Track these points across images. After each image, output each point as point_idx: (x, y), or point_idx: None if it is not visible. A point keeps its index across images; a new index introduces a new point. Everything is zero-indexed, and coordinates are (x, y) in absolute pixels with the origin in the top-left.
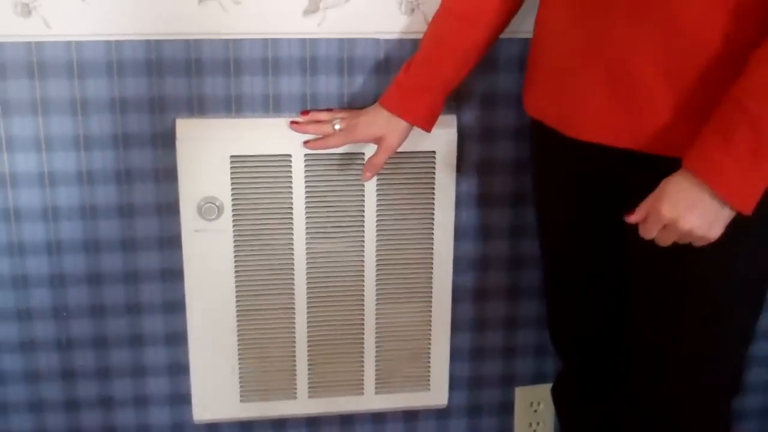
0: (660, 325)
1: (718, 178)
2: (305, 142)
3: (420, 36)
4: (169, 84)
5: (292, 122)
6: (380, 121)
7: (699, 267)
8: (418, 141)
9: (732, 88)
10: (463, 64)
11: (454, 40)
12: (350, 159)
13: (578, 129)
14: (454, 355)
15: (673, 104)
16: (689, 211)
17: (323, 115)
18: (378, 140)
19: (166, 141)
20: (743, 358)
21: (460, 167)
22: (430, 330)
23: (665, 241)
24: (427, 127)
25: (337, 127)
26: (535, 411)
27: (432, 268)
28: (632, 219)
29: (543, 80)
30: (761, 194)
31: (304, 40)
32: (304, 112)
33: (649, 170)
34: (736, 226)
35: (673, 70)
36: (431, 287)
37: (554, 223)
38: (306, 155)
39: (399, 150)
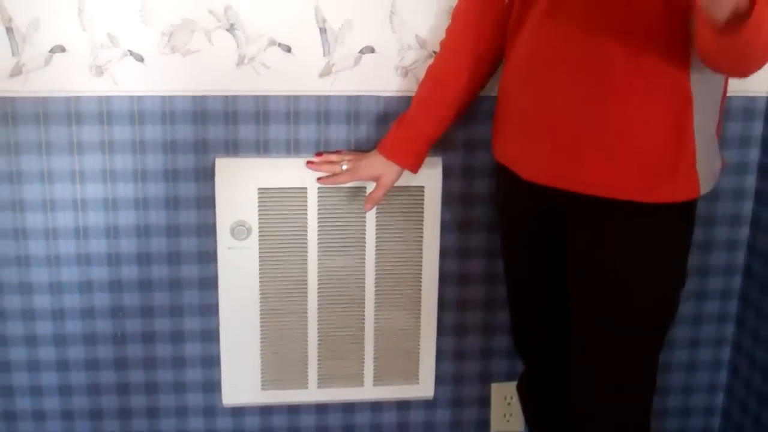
0: (587, 337)
1: None
2: (318, 179)
3: (412, 94)
4: (211, 130)
5: (308, 162)
6: (378, 164)
7: (618, 296)
8: (410, 178)
9: None
10: (442, 121)
11: (435, 102)
12: (355, 193)
13: (530, 172)
14: (440, 354)
15: (599, 156)
16: None
17: (333, 157)
18: (376, 179)
19: (207, 175)
20: (656, 369)
21: (445, 200)
22: (419, 333)
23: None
24: (414, 169)
25: (344, 167)
26: (509, 404)
27: (421, 281)
28: None
29: (504, 131)
30: None
31: (319, 96)
32: (318, 154)
33: (584, 207)
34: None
35: (600, 129)
36: (420, 297)
37: (513, 248)
38: (319, 189)
39: (394, 186)
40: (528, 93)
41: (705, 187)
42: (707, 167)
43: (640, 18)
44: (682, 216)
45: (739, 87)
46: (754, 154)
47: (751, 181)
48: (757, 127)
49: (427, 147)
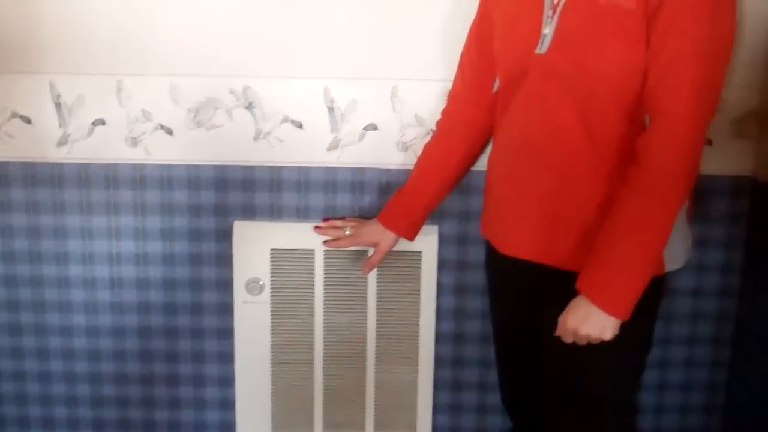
0: (558, 401)
1: (601, 297)
2: (324, 242)
3: (411, 167)
4: (230, 195)
5: (316, 227)
6: (377, 231)
7: (587, 358)
8: (409, 244)
9: (603, 228)
10: (436, 194)
11: (430, 178)
12: (358, 256)
13: (507, 248)
14: (437, 408)
15: (570, 234)
16: (584, 322)
17: (339, 223)
18: (375, 245)
19: (226, 236)
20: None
21: (441, 264)
22: (417, 387)
23: (578, 341)
24: (411, 237)
25: (347, 232)
26: None
27: (419, 339)
28: (556, 332)
29: (487, 207)
30: (634, 305)
31: (327, 168)
32: (326, 220)
33: (558, 280)
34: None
35: (570, 211)
36: (418, 354)
37: (498, 314)
38: (325, 251)
39: (395, 250)
40: (505, 174)
41: (671, 265)
42: (674, 247)
43: (605, 115)
44: (649, 290)
45: (725, 167)
46: (741, 232)
47: (738, 256)
48: (744, 205)
49: (422, 218)
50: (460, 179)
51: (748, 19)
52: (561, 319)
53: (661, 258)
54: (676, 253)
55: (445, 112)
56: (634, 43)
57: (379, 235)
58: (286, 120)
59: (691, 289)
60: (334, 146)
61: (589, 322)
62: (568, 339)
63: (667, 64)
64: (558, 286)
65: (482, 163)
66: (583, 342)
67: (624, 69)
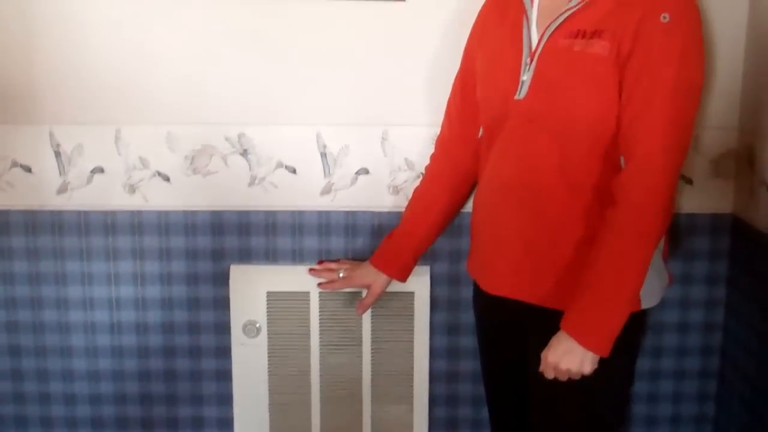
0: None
1: (580, 334)
2: (319, 284)
3: (402, 210)
4: (226, 240)
5: (310, 269)
6: (370, 273)
7: (571, 394)
8: (401, 285)
9: (585, 269)
10: (426, 237)
11: (419, 221)
12: (352, 297)
13: (491, 286)
14: None
15: (550, 273)
16: (564, 357)
17: (332, 265)
18: (368, 287)
19: (223, 280)
20: None
21: (433, 304)
22: (412, 426)
23: (558, 377)
24: (402, 279)
25: (341, 275)
26: None
27: (413, 378)
28: (540, 368)
29: (473, 247)
30: (613, 341)
31: (320, 212)
32: (320, 262)
33: (540, 318)
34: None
35: (549, 251)
36: (413, 393)
37: (485, 351)
38: (320, 293)
39: (388, 291)
40: (489, 215)
41: (648, 302)
42: (650, 285)
43: (582, 157)
44: (628, 326)
45: (705, 205)
46: (723, 268)
47: (721, 292)
48: (725, 242)
49: (413, 260)
50: (449, 221)
51: (723, 63)
52: (543, 354)
53: (638, 295)
54: (652, 291)
55: (433, 157)
56: (607, 89)
57: (372, 277)
58: (280, 165)
59: (677, 324)
60: (327, 190)
61: (569, 357)
62: (550, 374)
63: (640, 108)
64: (540, 323)
65: (471, 205)
66: (564, 377)
67: (599, 113)
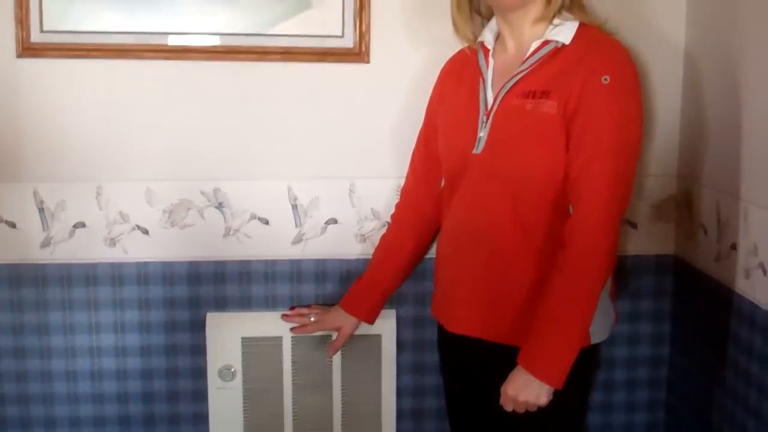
0: None
1: (536, 368)
2: (291, 329)
3: (369, 257)
4: (203, 289)
5: (283, 315)
6: (340, 316)
7: (530, 426)
8: (369, 328)
9: (539, 308)
10: (392, 281)
11: (386, 266)
12: (323, 340)
13: (452, 325)
14: None
15: (506, 312)
16: (522, 390)
17: (304, 310)
18: (338, 329)
19: (200, 327)
20: None
21: (399, 346)
22: None
23: (517, 409)
24: (371, 321)
25: (312, 319)
26: None
27: (381, 417)
28: (500, 401)
29: (436, 291)
30: (566, 374)
31: (292, 260)
32: (292, 308)
33: (498, 354)
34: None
35: (504, 292)
36: (381, 431)
37: (450, 388)
38: (292, 338)
39: (357, 333)
40: (450, 259)
41: (597, 338)
42: (598, 321)
43: (534, 206)
44: (580, 360)
45: (649, 247)
46: (667, 305)
47: (666, 328)
48: (668, 281)
49: (381, 303)
50: (414, 266)
51: (662, 116)
52: (502, 388)
53: (587, 331)
54: (600, 327)
55: (398, 206)
56: (555, 144)
57: (341, 320)
58: (253, 217)
59: (626, 359)
60: (298, 240)
61: (527, 390)
62: (509, 407)
63: (584, 162)
64: (499, 360)
65: (434, 250)
66: (522, 409)
67: (548, 166)
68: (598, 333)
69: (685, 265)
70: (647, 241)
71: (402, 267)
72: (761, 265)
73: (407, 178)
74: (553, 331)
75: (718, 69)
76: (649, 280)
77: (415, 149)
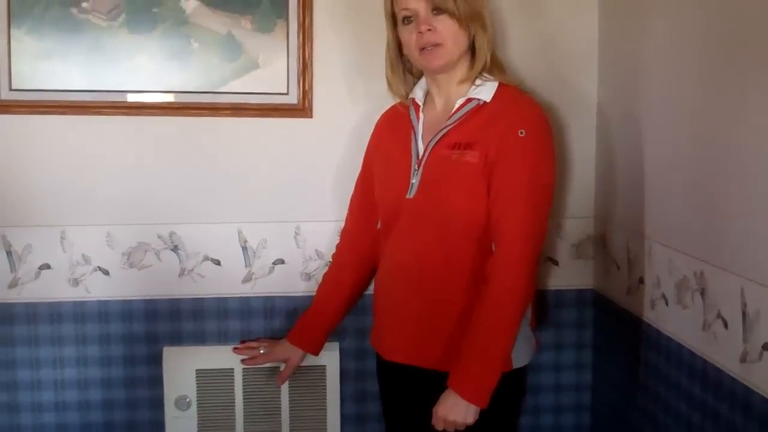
0: None
1: (462, 389)
2: (242, 361)
3: (314, 294)
4: (160, 325)
5: (234, 348)
6: (287, 348)
7: None
8: (314, 359)
9: (465, 337)
10: (335, 315)
11: (328, 302)
12: (272, 372)
13: (388, 354)
14: None
15: (435, 340)
16: (451, 410)
17: (254, 343)
18: (286, 360)
19: (157, 360)
20: None
21: (343, 376)
22: None
23: (447, 428)
24: (315, 353)
25: (261, 351)
26: None
27: None
28: (432, 422)
29: (374, 323)
30: (490, 395)
31: (242, 297)
32: (242, 342)
33: (430, 379)
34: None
35: (434, 321)
36: None
37: (388, 412)
38: (243, 369)
39: (303, 365)
40: (386, 293)
41: (518, 363)
42: (519, 349)
43: (460, 244)
44: (505, 384)
45: (570, 282)
46: (588, 335)
47: (588, 356)
48: (588, 313)
49: (324, 336)
50: (355, 301)
51: (578, 165)
52: (434, 409)
53: (509, 357)
54: (521, 354)
55: (339, 247)
56: (477, 190)
57: (289, 352)
58: (206, 258)
59: (552, 386)
60: (248, 279)
61: (455, 410)
62: (440, 426)
63: (503, 205)
64: (431, 385)
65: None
66: (452, 428)
67: (471, 209)
68: (519, 358)
69: (603, 298)
70: (568, 276)
71: (343, 302)
72: (663, 296)
73: (346, 220)
74: (477, 357)
75: (625, 122)
76: (571, 312)
77: (353, 194)
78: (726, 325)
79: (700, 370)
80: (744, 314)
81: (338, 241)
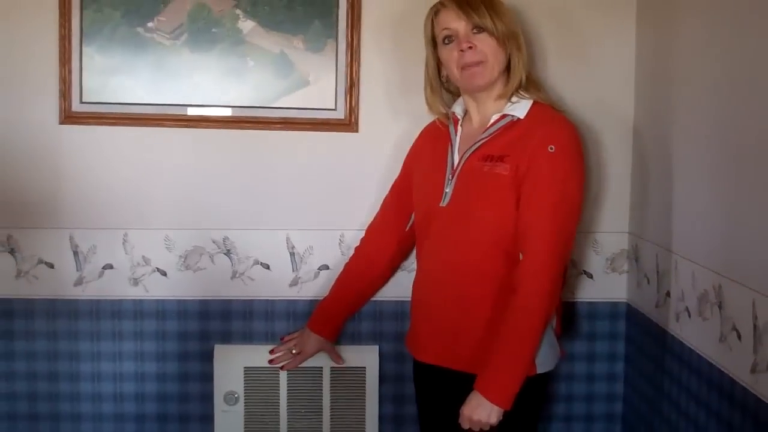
0: None
1: (487, 391)
2: (281, 367)
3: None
4: (212, 324)
5: (269, 360)
6: (313, 340)
7: None
8: (355, 361)
9: (492, 342)
10: (352, 305)
11: (346, 292)
12: (314, 371)
13: (421, 355)
14: None
15: (468, 343)
16: (476, 410)
17: (283, 347)
18: (314, 353)
19: (209, 357)
20: None
21: (381, 378)
22: None
23: (472, 427)
24: (334, 340)
25: (294, 351)
26: None
27: None
28: (459, 421)
29: (410, 325)
30: (513, 397)
31: (289, 300)
32: (272, 351)
33: (459, 381)
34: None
35: (466, 325)
36: None
37: (422, 413)
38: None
39: (344, 366)
40: (421, 298)
41: (543, 368)
42: (543, 354)
43: (490, 253)
44: (529, 389)
45: (604, 295)
46: (620, 346)
47: (620, 367)
48: (621, 325)
49: (343, 323)
50: (373, 292)
51: (613, 183)
52: (461, 410)
53: (533, 362)
54: (545, 359)
55: (363, 240)
56: (507, 201)
57: (315, 344)
58: (256, 262)
59: (584, 395)
60: (294, 283)
61: (479, 410)
62: (466, 425)
63: (531, 218)
64: (460, 385)
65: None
66: (476, 428)
67: (500, 220)
68: (543, 364)
69: (635, 311)
70: (603, 289)
71: (362, 292)
72: (687, 309)
73: (376, 217)
74: (502, 361)
75: (659, 141)
76: (604, 324)
77: (388, 195)
78: (740, 337)
79: (716, 380)
80: (755, 327)
81: (363, 235)
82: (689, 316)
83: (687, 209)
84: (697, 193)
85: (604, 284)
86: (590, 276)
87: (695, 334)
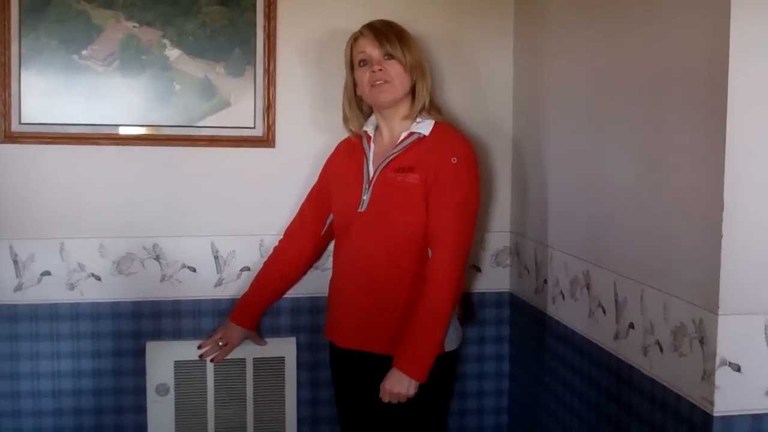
0: None
1: (405, 365)
2: (210, 360)
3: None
4: (144, 323)
5: (199, 356)
6: (237, 332)
7: (405, 416)
8: (275, 351)
9: (406, 326)
10: (269, 299)
11: (265, 287)
12: (238, 362)
13: (340, 341)
14: None
15: (381, 327)
16: (396, 384)
17: (209, 341)
18: (239, 342)
19: (141, 353)
20: None
21: (299, 366)
22: None
23: (391, 399)
24: (254, 329)
25: (220, 344)
26: None
27: (285, 424)
28: (379, 395)
29: (328, 316)
30: (428, 371)
31: (215, 299)
32: (200, 347)
33: (375, 359)
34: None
35: (385, 314)
36: None
37: (341, 396)
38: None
39: (264, 356)
40: (339, 291)
41: (449, 347)
42: (450, 335)
43: (403, 250)
44: (439, 365)
45: (490, 286)
46: (506, 330)
47: (505, 348)
48: (506, 312)
49: (261, 315)
50: (287, 288)
51: (498, 186)
52: (381, 384)
53: (443, 342)
54: (452, 339)
55: (281, 241)
56: (417, 206)
57: (239, 334)
58: (184, 266)
59: (476, 374)
60: (219, 284)
61: (399, 384)
62: (386, 398)
63: (437, 220)
64: (379, 367)
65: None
66: (395, 400)
67: (412, 222)
68: (450, 343)
69: (517, 298)
70: (489, 281)
71: (279, 288)
72: (561, 293)
73: (293, 221)
74: (417, 340)
75: (533, 152)
76: (491, 311)
77: (304, 202)
78: (604, 312)
79: (587, 349)
80: (616, 302)
81: (282, 237)
82: (563, 298)
83: (559, 209)
84: (567, 195)
85: (491, 277)
86: (479, 270)
87: (569, 313)
